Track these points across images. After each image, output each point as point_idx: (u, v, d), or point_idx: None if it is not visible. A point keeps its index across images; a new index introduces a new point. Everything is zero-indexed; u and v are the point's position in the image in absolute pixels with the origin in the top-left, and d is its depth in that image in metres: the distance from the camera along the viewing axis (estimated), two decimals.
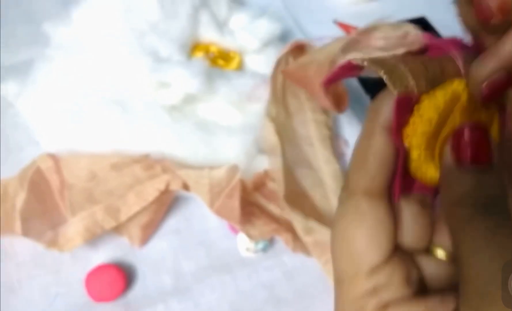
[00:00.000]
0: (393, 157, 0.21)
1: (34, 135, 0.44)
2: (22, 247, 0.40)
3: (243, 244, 0.42)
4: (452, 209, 0.20)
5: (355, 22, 0.58)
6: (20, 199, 0.38)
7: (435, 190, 0.21)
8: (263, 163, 0.44)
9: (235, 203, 0.40)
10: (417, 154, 0.20)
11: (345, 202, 0.22)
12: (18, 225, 0.37)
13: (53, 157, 0.40)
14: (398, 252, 0.21)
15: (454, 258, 0.22)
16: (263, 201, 0.43)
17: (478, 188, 0.19)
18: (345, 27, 0.55)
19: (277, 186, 0.42)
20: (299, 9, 0.60)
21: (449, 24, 0.57)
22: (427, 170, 0.20)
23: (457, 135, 0.20)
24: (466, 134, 0.19)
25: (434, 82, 0.20)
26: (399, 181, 0.21)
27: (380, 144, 0.21)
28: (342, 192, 0.22)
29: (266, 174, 0.43)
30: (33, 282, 0.39)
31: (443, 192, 0.20)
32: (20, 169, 0.41)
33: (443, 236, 0.22)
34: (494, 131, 0.21)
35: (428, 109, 0.20)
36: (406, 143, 0.20)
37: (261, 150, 0.45)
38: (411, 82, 0.20)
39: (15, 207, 0.38)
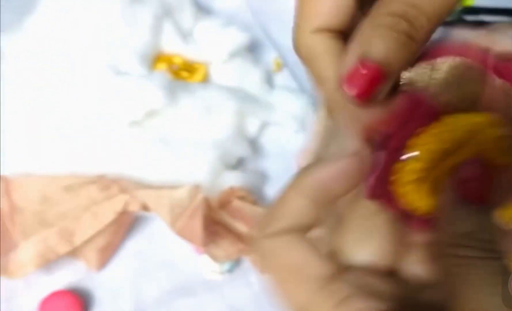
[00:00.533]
0: None
1: None
2: None
3: (207, 265, 0.41)
4: (450, 248, 0.19)
5: None
6: None
7: (407, 212, 0.20)
8: (229, 180, 0.43)
9: (198, 224, 0.39)
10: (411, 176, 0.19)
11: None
12: None
13: (4, 180, 0.39)
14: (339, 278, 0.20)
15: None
16: (229, 220, 0.42)
17: (481, 230, 0.19)
18: None
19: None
20: (269, 18, 0.58)
21: None
22: (413, 194, 0.19)
23: (463, 170, 0.19)
24: (472, 170, 0.18)
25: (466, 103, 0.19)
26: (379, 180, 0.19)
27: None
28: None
29: (232, 191, 0.42)
30: None
31: (440, 229, 0.19)
32: None
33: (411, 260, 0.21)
34: None
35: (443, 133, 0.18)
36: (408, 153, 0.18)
37: (227, 166, 0.44)
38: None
39: None
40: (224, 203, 0.42)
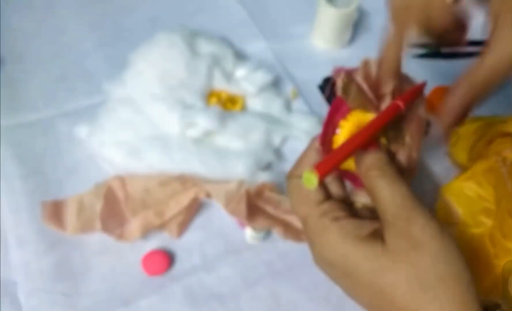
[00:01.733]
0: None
1: (99, 162, 0.55)
2: (92, 240, 0.50)
3: (249, 234, 0.51)
4: (368, 172, 0.34)
5: (331, 64, 0.70)
6: (98, 207, 0.49)
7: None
8: (262, 177, 0.53)
9: (243, 206, 0.49)
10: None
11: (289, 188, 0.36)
12: (98, 224, 0.48)
13: (119, 178, 0.51)
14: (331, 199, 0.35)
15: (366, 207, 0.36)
16: (262, 204, 0.51)
17: (380, 160, 0.34)
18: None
19: None
20: (288, 59, 0.70)
21: (405, 65, 0.69)
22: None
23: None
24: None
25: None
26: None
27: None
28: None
29: (264, 185, 0.52)
30: (103, 264, 0.49)
31: (358, 165, 0.35)
32: (95, 185, 0.52)
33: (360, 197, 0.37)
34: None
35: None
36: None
37: (260, 168, 0.56)
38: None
39: (95, 212, 0.49)
40: (259, 193, 0.52)
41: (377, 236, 0.31)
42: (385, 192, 0.32)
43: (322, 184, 0.35)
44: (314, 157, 0.36)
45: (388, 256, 0.29)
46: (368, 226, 0.32)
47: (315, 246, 0.33)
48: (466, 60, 0.74)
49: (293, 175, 0.36)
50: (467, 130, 0.59)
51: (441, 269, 0.29)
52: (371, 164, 0.34)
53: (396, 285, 0.29)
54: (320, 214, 0.33)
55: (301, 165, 0.36)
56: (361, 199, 0.37)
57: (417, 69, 0.72)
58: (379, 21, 0.77)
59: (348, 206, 0.36)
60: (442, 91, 0.68)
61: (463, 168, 0.57)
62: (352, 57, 0.72)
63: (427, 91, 0.67)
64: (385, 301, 0.30)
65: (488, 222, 0.51)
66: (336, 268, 0.32)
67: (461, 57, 0.76)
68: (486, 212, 0.52)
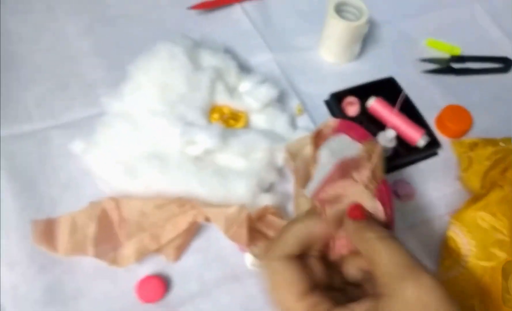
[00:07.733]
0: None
1: (94, 179, 0.53)
2: (85, 262, 0.48)
3: (249, 260, 0.50)
4: (363, 236, 0.32)
5: (338, 78, 0.68)
6: (91, 230, 0.47)
7: None
8: (264, 200, 0.52)
9: (244, 231, 0.47)
10: None
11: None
12: (91, 249, 0.46)
13: (114, 199, 0.49)
14: (313, 292, 0.32)
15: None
16: (264, 229, 0.50)
17: (368, 225, 0.33)
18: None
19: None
20: (293, 72, 0.68)
21: (416, 81, 0.67)
22: None
23: (350, 209, 0.34)
24: (356, 208, 0.34)
25: None
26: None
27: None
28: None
29: (266, 208, 0.50)
30: (96, 289, 0.48)
31: (349, 230, 0.34)
32: (88, 206, 0.50)
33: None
34: None
35: None
36: None
37: (262, 189, 0.54)
38: None
39: (87, 236, 0.47)
40: (261, 217, 0.50)
41: None
42: (384, 254, 0.30)
43: (305, 268, 0.34)
44: (293, 242, 0.35)
45: None
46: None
47: None
48: (478, 76, 0.73)
49: (272, 256, 0.34)
50: (480, 155, 0.56)
51: None
52: (363, 228, 0.32)
53: None
54: (306, 309, 0.31)
55: (279, 246, 0.35)
56: None
57: (429, 85, 0.71)
58: (388, 33, 0.76)
59: (333, 288, 0.34)
60: (454, 110, 0.66)
61: (475, 194, 0.55)
62: (361, 70, 0.70)
63: (439, 109, 0.65)
64: None
65: (501, 255, 0.50)
66: None
67: (473, 73, 0.74)
68: (499, 244, 0.50)
